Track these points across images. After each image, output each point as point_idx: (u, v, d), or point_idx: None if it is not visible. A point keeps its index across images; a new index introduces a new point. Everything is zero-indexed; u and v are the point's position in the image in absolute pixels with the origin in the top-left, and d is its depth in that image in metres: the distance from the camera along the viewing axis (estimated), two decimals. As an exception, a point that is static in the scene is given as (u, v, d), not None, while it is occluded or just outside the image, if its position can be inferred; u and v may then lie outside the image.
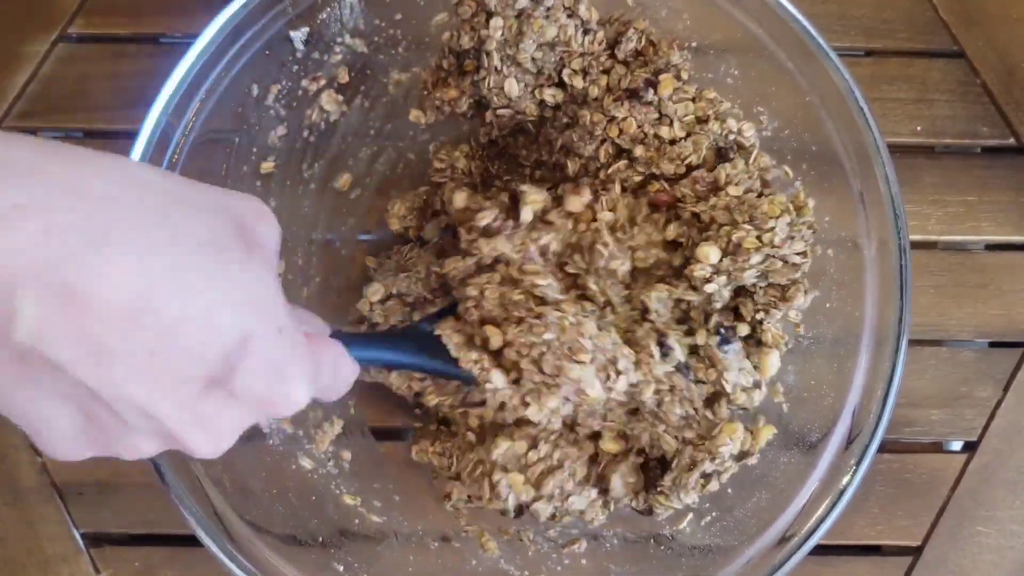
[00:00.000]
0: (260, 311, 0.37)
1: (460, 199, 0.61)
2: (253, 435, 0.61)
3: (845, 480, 0.54)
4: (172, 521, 0.60)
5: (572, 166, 0.61)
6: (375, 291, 0.64)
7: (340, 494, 0.62)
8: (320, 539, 0.59)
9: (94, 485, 0.67)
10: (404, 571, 0.60)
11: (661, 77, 0.59)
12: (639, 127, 0.59)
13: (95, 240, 0.32)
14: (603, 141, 0.60)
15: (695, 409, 0.57)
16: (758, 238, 0.54)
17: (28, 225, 0.31)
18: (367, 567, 0.59)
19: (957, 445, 0.69)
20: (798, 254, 0.55)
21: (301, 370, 0.40)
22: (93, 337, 0.32)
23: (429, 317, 0.60)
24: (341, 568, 0.58)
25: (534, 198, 0.59)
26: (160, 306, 0.33)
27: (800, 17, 0.55)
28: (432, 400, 0.61)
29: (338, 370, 0.46)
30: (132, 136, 0.54)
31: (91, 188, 0.33)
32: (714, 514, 0.60)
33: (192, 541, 0.53)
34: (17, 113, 0.70)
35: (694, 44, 0.61)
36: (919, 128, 0.71)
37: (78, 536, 0.67)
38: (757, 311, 0.59)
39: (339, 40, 0.61)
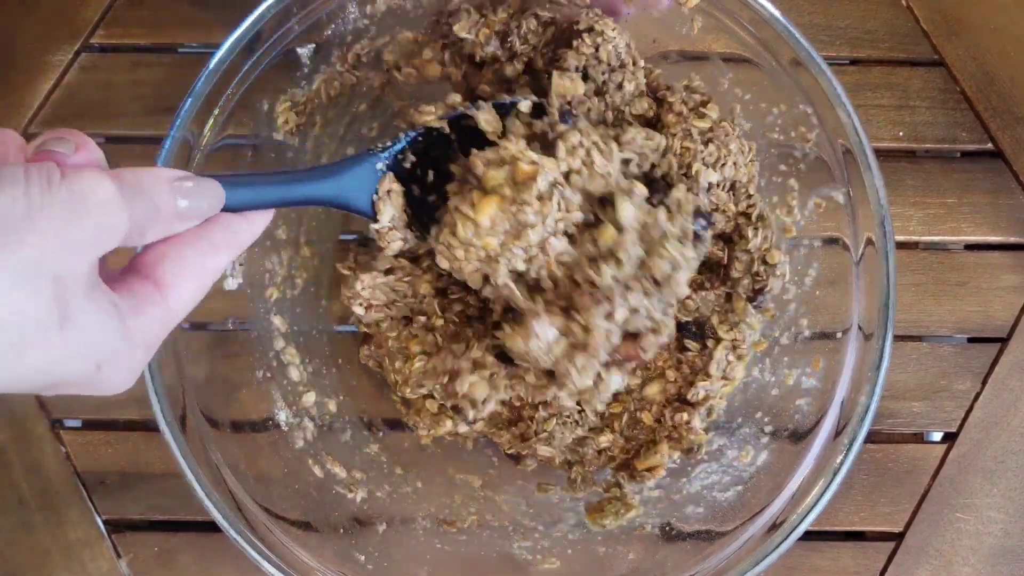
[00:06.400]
0: (78, 368, 0.36)
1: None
2: (271, 428, 0.61)
3: (833, 469, 0.53)
4: (190, 508, 0.60)
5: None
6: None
7: (354, 490, 0.62)
8: (340, 530, 0.59)
9: (116, 474, 0.67)
10: (422, 558, 0.60)
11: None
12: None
13: None
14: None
15: None
16: None
17: None
18: (386, 556, 0.59)
19: (937, 436, 0.69)
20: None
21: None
22: None
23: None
24: (362, 558, 0.58)
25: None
26: None
27: (792, 29, 0.55)
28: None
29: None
30: (152, 141, 0.54)
31: None
32: (707, 499, 0.60)
33: (210, 527, 0.53)
34: (42, 119, 0.70)
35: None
36: (901, 133, 0.71)
37: (100, 523, 0.66)
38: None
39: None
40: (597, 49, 0.57)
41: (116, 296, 0.37)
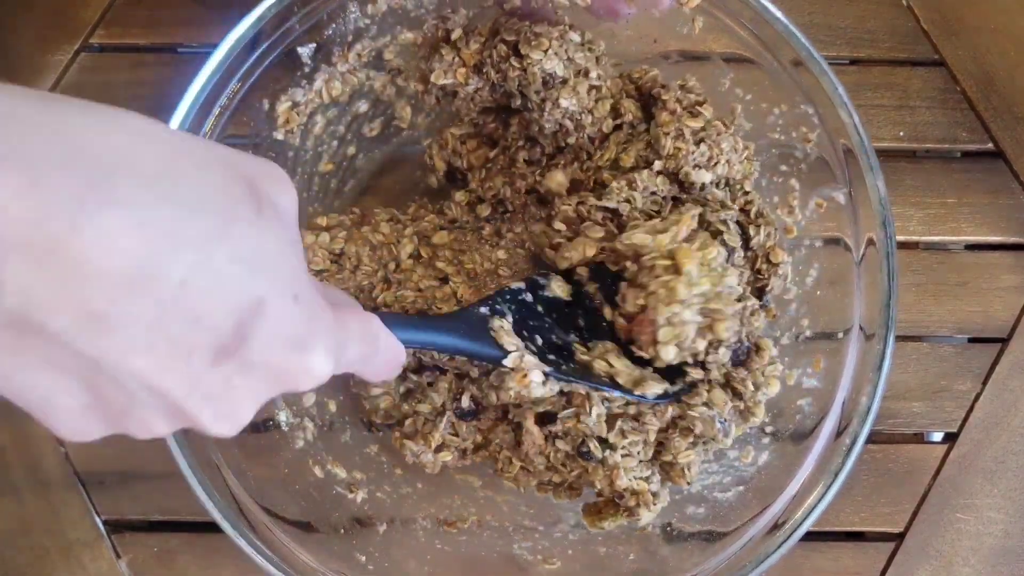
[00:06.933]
0: (273, 274, 0.33)
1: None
2: (271, 428, 0.61)
3: (834, 469, 0.53)
4: (190, 508, 0.60)
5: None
6: None
7: (354, 491, 0.62)
8: (341, 530, 0.59)
9: (115, 474, 0.67)
10: (422, 559, 0.60)
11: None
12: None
13: (89, 195, 0.28)
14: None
15: None
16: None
17: (11, 179, 0.26)
18: (387, 556, 0.59)
19: (938, 436, 0.69)
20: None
21: (323, 340, 0.36)
22: (88, 303, 0.28)
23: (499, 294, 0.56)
24: (363, 559, 0.58)
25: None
26: (162, 268, 0.29)
27: (793, 29, 0.55)
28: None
29: (376, 344, 0.42)
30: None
31: (86, 138, 0.29)
32: (709, 499, 0.60)
33: (209, 527, 0.53)
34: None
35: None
36: (901, 133, 0.71)
37: (100, 523, 0.66)
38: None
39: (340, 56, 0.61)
40: (525, 71, 0.57)
41: None
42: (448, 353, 0.57)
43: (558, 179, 0.61)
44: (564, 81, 0.58)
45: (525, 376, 0.53)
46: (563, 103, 0.58)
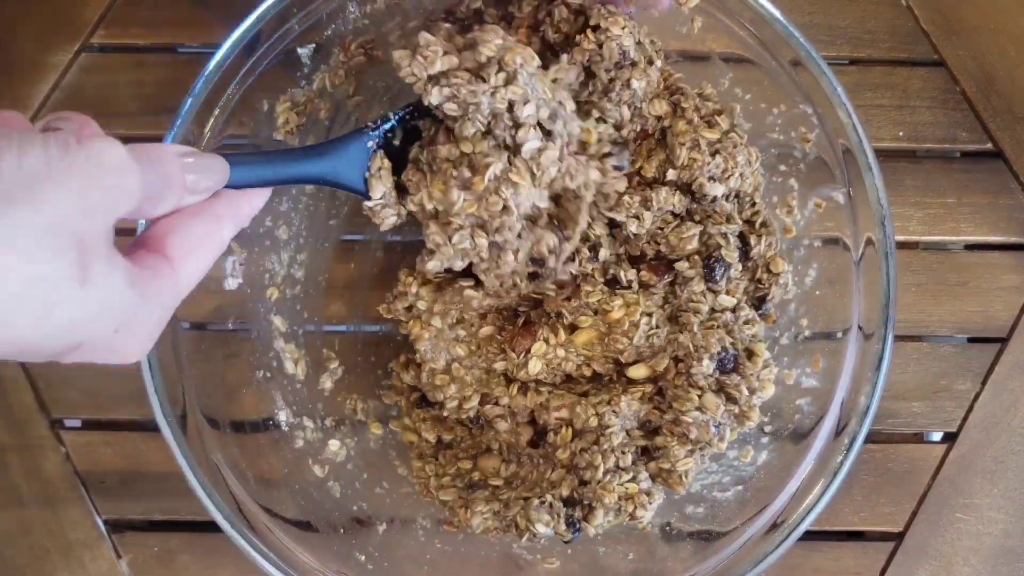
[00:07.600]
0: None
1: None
2: (271, 428, 0.61)
3: (833, 469, 0.53)
4: (190, 508, 0.60)
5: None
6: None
7: (355, 489, 0.62)
8: (341, 530, 0.59)
9: (116, 474, 0.67)
10: (421, 558, 0.60)
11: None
12: None
13: None
14: None
15: None
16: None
17: None
18: (386, 556, 0.59)
19: (937, 436, 0.69)
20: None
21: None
22: None
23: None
24: (363, 558, 0.58)
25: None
26: None
27: (792, 29, 0.55)
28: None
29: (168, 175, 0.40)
30: (152, 141, 0.54)
31: None
32: (708, 499, 0.60)
33: (209, 527, 0.53)
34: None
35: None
36: (901, 133, 0.71)
37: (100, 523, 0.66)
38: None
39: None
40: (601, 46, 0.57)
41: (130, 263, 0.38)
42: (303, 183, 0.57)
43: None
44: (634, 64, 0.57)
45: (380, 220, 0.55)
46: (634, 84, 0.57)
